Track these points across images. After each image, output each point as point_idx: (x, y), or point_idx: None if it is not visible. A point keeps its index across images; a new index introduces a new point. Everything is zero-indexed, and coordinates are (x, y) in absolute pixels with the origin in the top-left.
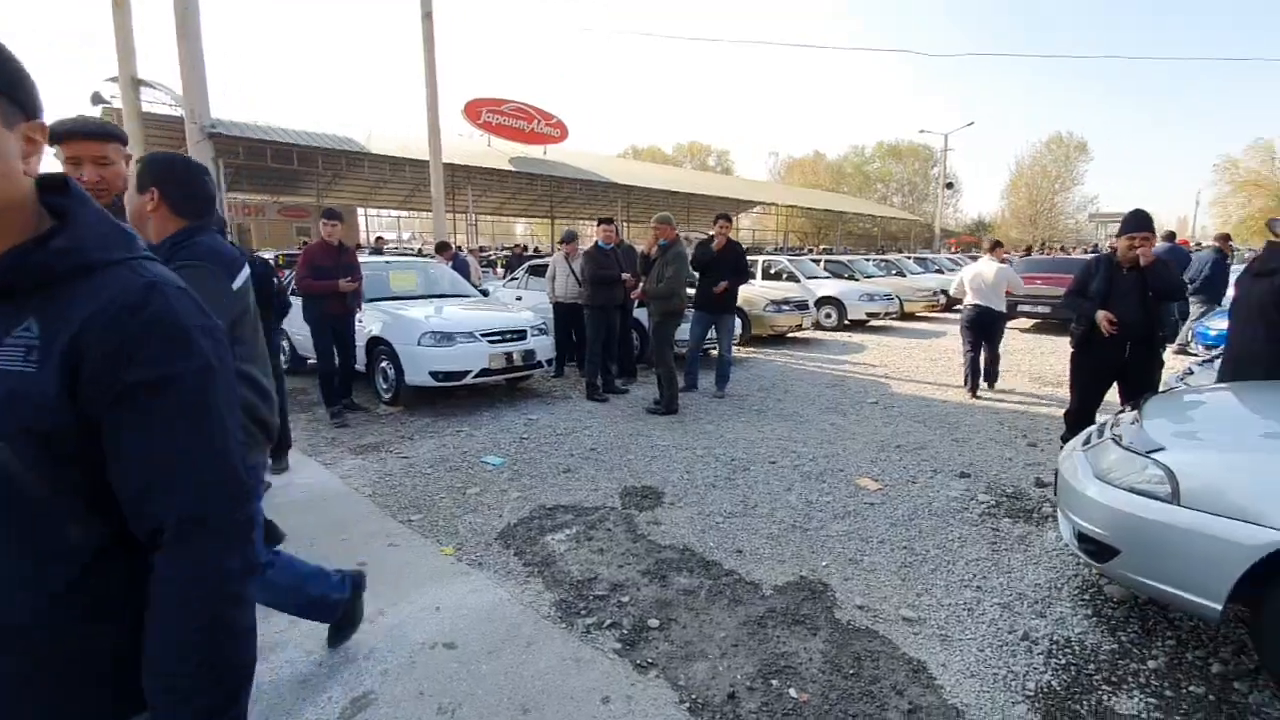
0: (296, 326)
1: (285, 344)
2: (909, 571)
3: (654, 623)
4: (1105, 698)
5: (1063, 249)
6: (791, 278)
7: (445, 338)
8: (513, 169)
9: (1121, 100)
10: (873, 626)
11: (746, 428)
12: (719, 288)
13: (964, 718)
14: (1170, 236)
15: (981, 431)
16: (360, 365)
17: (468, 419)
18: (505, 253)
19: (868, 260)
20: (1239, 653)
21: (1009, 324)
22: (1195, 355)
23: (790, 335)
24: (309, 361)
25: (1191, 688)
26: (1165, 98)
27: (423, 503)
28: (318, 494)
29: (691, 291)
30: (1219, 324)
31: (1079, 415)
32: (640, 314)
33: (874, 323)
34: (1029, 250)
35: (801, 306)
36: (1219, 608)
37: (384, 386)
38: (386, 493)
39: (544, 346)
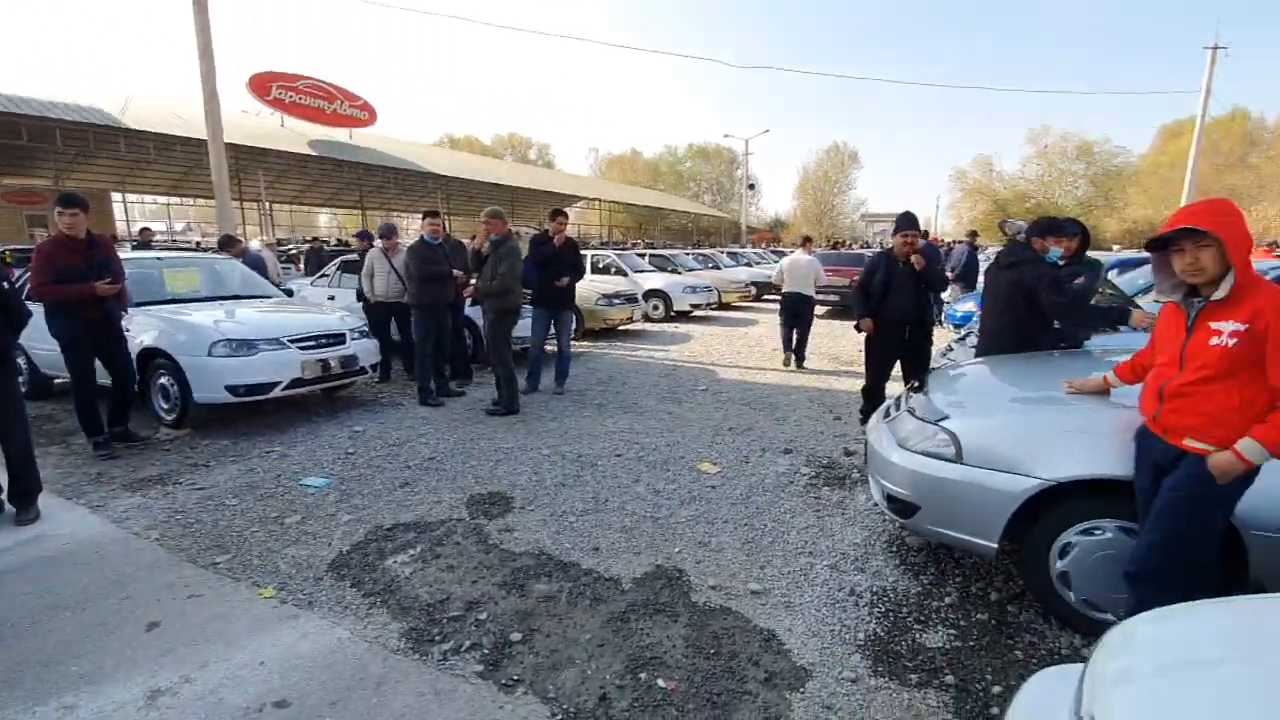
0: (37, 339)
1: (21, 361)
2: (751, 547)
3: (516, 636)
4: (917, 635)
5: (859, 244)
6: (620, 272)
7: (245, 345)
8: (312, 153)
9: (885, 115)
10: (726, 604)
11: (590, 423)
12: (562, 282)
13: (811, 675)
14: (924, 234)
15: (797, 410)
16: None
17: (279, 437)
18: (306, 246)
19: (687, 254)
20: (1008, 580)
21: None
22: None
23: (621, 328)
24: (57, 382)
25: (978, 615)
26: (915, 114)
27: (229, 540)
28: (85, 545)
29: (526, 290)
30: (966, 306)
31: (873, 390)
32: (473, 312)
33: (696, 313)
34: (835, 245)
35: (631, 300)
36: (994, 545)
37: (164, 407)
38: (179, 533)
39: (367, 351)
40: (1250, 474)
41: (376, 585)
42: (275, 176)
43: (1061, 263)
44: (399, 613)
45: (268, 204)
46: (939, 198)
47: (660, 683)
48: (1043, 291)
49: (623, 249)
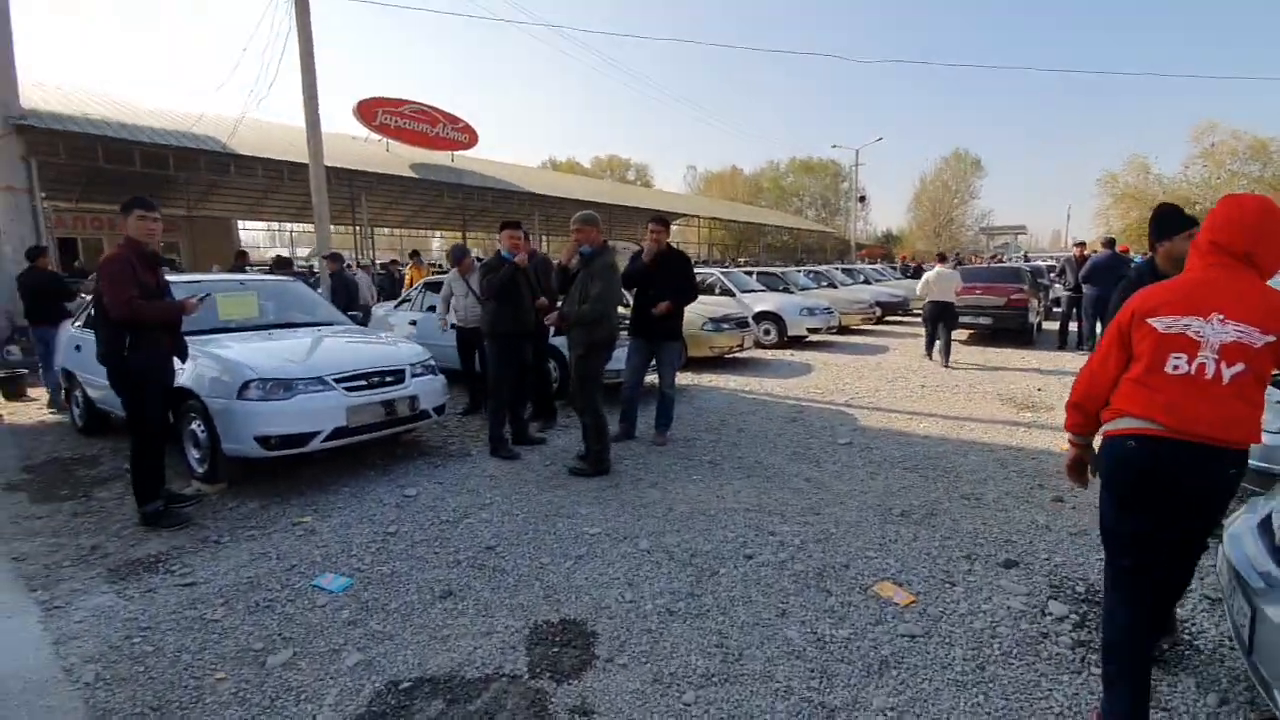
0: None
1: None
2: None
3: None
4: None
5: (988, 258)
6: (725, 292)
7: (281, 386)
8: (414, 175)
9: (1006, 121)
10: None
11: (703, 491)
12: (660, 308)
13: None
14: (1110, 244)
15: (989, 480)
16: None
17: (317, 500)
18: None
19: (799, 272)
20: None
21: (953, 339)
22: None
23: (729, 356)
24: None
25: None
26: (1041, 122)
27: (176, 700)
28: None
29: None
30: None
31: None
32: (559, 341)
33: (812, 338)
34: (959, 260)
35: (742, 324)
36: None
37: (196, 457)
38: (121, 677)
39: (431, 390)
40: None
41: None
42: (388, 203)
43: None
44: None
45: (368, 226)
46: (1069, 207)
47: None
48: None
49: (725, 267)
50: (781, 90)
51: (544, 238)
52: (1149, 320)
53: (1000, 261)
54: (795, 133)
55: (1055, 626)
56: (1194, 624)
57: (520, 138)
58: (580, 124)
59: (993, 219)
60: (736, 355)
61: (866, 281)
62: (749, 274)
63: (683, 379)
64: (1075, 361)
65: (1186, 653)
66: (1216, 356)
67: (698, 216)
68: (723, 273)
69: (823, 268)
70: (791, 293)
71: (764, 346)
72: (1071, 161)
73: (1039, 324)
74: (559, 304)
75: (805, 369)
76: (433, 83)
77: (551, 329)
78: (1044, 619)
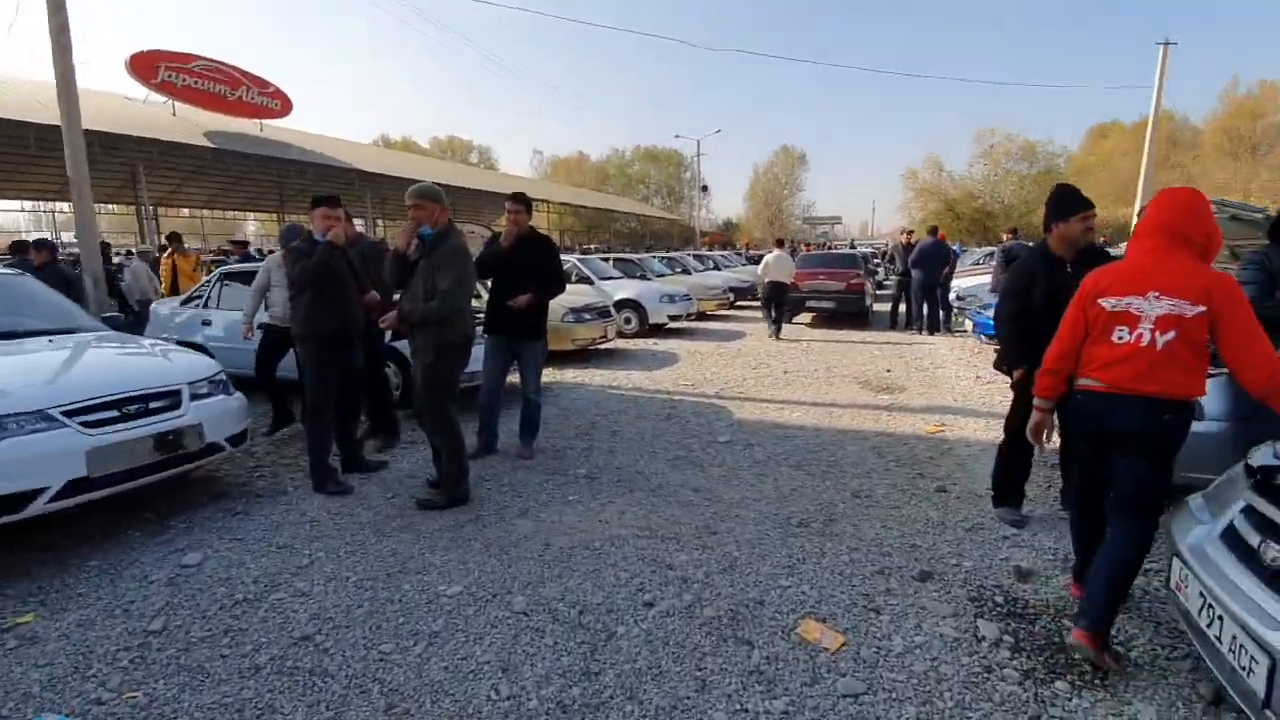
0: None
1: None
2: None
3: None
4: None
5: (812, 245)
6: (584, 279)
7: None
8: (209, 144)
9: (827, 121)
10: None
11: (581, 515)
12: (519, 301)
13: None
14: (934, 231)
15: (872, 474)
16: None
17: (48, 583)
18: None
19: (655, 258)
20: None
21: (795, 319)
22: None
23: (592, 349)
24: None
25: None
26: (853, 120)
27: None
28: None
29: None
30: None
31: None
32: (403, 344)
33: (672, 325)
34: (794, 248)
35: (604, 314)
36: None
37: None
38: None
39: (223, 415)
40: None
41: None
42: (179, 178)
43: None
44: None
45: (149, 205)
46: (874, 201)
47: None
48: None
49: (583, 253)
50: (630, 78)
51: (379, 224)
52: (1100, 300)
53: (832, 249)
54: (640, 122)
55: (995, 655)
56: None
57: (345, 116)
58: (416, 102)
59: (815, 210)
60: (600, 347)
61: (716, 267)
62: (606, 260)
63: (545, 376)
64: (908, 341)
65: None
66: (1153, 327)
67: (547, 201)
68: (580, 259)
69: (675, 254)
70: (650, 279)
71: (626, 336)
72: (879, 158)
73: (872, 306)
74: (396, 299)
75: (671, 359)
76: (246, 51)
77: (388, 331)
78: (980, 645)
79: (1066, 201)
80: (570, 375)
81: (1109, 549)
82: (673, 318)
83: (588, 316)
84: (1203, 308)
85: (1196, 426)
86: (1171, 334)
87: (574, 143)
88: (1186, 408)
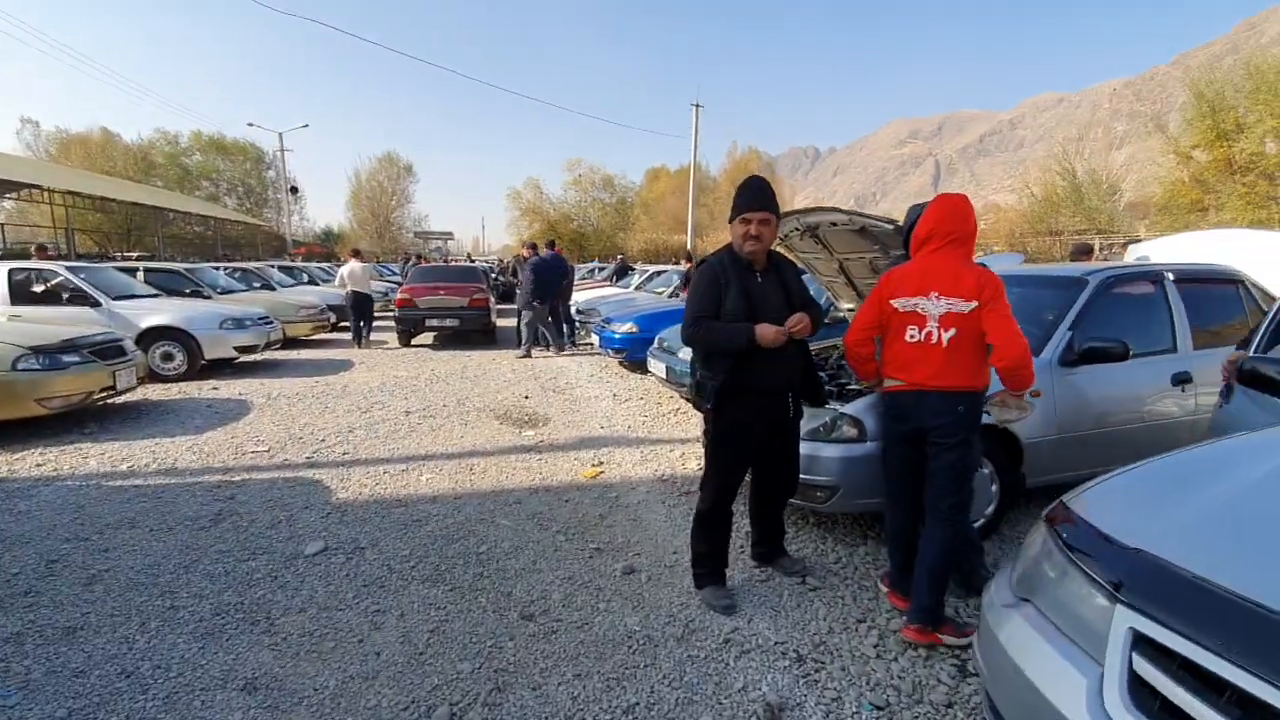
0: None
1: None
2: None
3: None
4: None
5: (447, 259)
6: (79, 298)
7: None
8: None
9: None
10: None
11: None
12: None
13: None
14: (551, 245)
15: (540, 563)
16: None
17: None
18: None
19: (219, 270)
20: None
21: (415, 340)
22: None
23: (87, 406)
24: None
25: None
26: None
27: None
28: None
29: None
30: (625, 327)
31: (717, 515)
32: None
33: (243, 359)
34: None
35: (111, 352)
36: None
37: None
38: None
39: None
40: None
41: None
42: None
43: None
44: None
45: None
46: (483, 217)
47: None
48: None
49: (95, 261)
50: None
51: None
52: (891, 301)
53: (447, 263)
54: (205, 106)
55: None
56: None
57: None
58: None
59: (429, 223)
60: (104, 402)
61: (313, 282)
62: (129, 270)
63: None
64: (540, 357)
65: None
66: (938, 325)
67: (48, 190)
68: (70, 267)
69: (253, 265)
70: (208, 297)
71: (166, 379)
72: (489, 174)
73: (495, 322)
74: None
75: (237, 411)
76: None
77: None
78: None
79: (734, 205)
80: (32, 463)
81: (928, 544)
82: (243, 349)
83: (68, 359)
84: (975, 303)
85: (859, 449)
86: (953, 331)
87: (94, 117)
88: (977, 397)
